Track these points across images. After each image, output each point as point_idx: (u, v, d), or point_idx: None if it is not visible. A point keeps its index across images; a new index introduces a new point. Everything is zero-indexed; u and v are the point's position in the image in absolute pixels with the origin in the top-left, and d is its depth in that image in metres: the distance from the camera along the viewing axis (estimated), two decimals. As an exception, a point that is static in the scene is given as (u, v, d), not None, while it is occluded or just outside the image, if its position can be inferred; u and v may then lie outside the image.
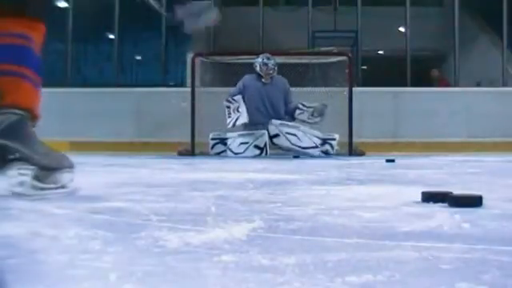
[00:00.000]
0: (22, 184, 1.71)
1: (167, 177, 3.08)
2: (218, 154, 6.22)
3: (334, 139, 6.25)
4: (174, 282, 0.75)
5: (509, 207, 1.62)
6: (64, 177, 1.81)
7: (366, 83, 9.20)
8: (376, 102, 7.97)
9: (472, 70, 10.70)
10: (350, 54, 7.49)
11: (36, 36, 1.86)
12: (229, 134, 6.30)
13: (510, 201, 1.83)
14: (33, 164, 1.72)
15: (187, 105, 6.90)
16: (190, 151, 6.68)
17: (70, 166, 1.85)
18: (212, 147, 6.30)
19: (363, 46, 10.11)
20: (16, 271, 0.80)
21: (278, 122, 6.25)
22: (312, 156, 5.95)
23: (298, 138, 6.13)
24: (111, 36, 10.07)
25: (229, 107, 6.39)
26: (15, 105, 1.76)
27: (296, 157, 5.87)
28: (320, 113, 6.40)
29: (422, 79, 10.28)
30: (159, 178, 3.05)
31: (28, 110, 1.78)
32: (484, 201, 1.57)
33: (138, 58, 14.30)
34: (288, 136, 6.13)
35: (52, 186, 1.76)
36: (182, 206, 1.62)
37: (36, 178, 1.73)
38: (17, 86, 1.77)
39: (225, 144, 6.26)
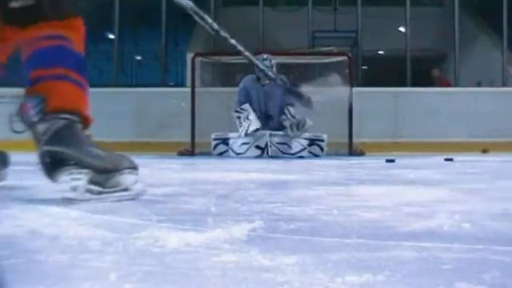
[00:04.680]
0: (74, 189, 1.60)
1: (167, 177, 3.08)
2: (221, 154, 6.22)
3: (322, 140, 6.23)
4: (174, 282, 0.75)
5: (509, 207, 1.62)
6: (126, 179, 1.70)
7: (366, 83, 9.19)
8: (376, 102, 7.96)
9: (472, 70, 10.71)
10: (349, 54, 7.49)
11: (74, 34, 1.76)
12: (230, 135, 6.31)
13: (511, 201, 1.83)
14: (86, 167, 1.62)
15: (187, 105, 6.90)
16: (190, 151, 6.68)
17: (132, 167, 1.74)
18: (214, 147, 6.30)
19: (363, 46, 10.11)
20: (16, 271, 0.80)
21: (268, 132, 6.22)
22: (300, 156, 5.97)
23: (289, 146, 6.13)
24: (111, 36, 10.07)
25: (239, 117, 6.36)
26: (60, 109, 1.66)
27: (301, 157, 5.91)
28: (301, 126, 6.32)
29: (422, 79, 10.28)
30: (159, 178, 3.05)
31: (75, 112, 1.68)
32: (484, 201, 1.57)
33: (138, 58, 14.30)
34: (279, 146, 6.12)
35: (112, 189, 1.66)
36: (182, 206, 1.62)
37: (93, 181, 1.62)
38: (58, 89, 1.67)
39: (227, 144, 6.26)
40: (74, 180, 1.61)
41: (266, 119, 6.45)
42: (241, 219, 1.26)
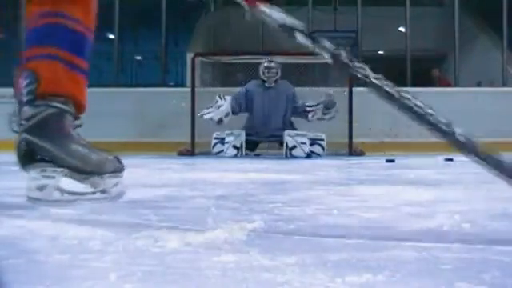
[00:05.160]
0: (41, 188, 1.46)
1: (167, 177, 3.08)
2: (217, 153, 6.27)
3: (322, 139, 6.26)
4: (174, 282, 0.75)
5: (509, 207, 1.62)
6: (105, 181, 1.55)
7: (366, 83, 9.19)
8: (376, 102, 7.94)
9: (472, 70, 10.70)
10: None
11: (77, 9, 1.57)
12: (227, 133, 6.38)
13: (510, 201, 1.83)
14: (61, 166, 1.48)
15: (187, 105, 6.91)
16: (190, 151, 6.69)
17: (116, 171, 1.58)
18: (213, 146, 6.35)
19: (363, 46, 10.11)
20: (16, 271, 0.80)
21: (293, 132, 6.26)
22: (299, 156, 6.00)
23: (306, 145, 6.17)
24: (111, 36, 10.06)
25: (217, 101, 6.47)
26: (51, 93, 1.51)
27: (308, 156, 5.96)
28: (330, 105, 6.46)
29: (422, 79, 10.28)
30: (159, 178, 3.05)
31: (68, 98, 1.54)
32: (484, 201, 1.57)
33: (138, 58, 14.29)
34: (302, 146, 6.15)
35: (87, 190, 1.52)
36: (182, 206, 1.62)
37: (68, 178, 1.48)
38: (48, 69, 1.52)
39: (223, 144, 6.31)
40: (45, 178, 1.47)
41: (267, 124, 6.46)
42: (241, 219, 1.26)
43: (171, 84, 11.54)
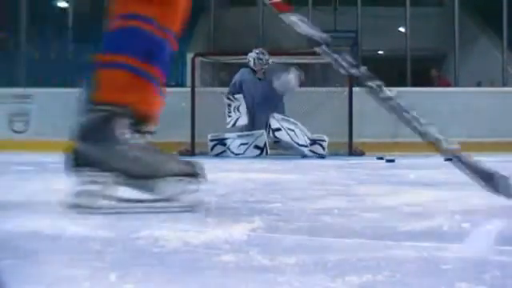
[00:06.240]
0: (84, 194, 1.36)
1: (167, 177, 3.08)
2: (218, 155, 6.18)
3: (324, 140, 6.25)
4: (174, 282, 0.75)
5: (509, 207, 1.62)
6: (172, 188, 1.40)
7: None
8: (376, 102, 7.96)
9: (472, 70, 10.70)
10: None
11: (160, 11, 1.47)
12: (227, 135, 6.28)
13: (510, 201, 1.83)
14: (107, 170, 1.36)
15: (187, 105, 6.90)
16: (190, 151, 6.68)
17: (185, 174, 1.42)
18: (211, 148, 6.27)
19: (363, 46, 10.11)
20: (16, 271, 0.80)
21: (280, 116, 6.23)
22: (304, 156, 5.98)
23: (296, 135, 6.14)
24: (111, 36, 10.07)
25: (229, 105, 6.36)
26: (102, 100, 1.43)
27: (304, 156, 5.95)
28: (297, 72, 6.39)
29: (422, 79, 10.28)
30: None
31: (120, 104, 1.42)
32: (484, 201, 1.57)
33: (138, 57, 14.27)
34: (288, 131, 6.12)
35: (145, 198, 1.40)
36: (182, 206, 1.62)
37: (122, 186, 1.38)
38: (109, 77, 1.45)
39: (224, 144, 6.23)
40: (91, 184, 1.37)
41: (254, 113, 6.41)
42: (241, 219, 1.26)
43: (171, 84, 11.54)
